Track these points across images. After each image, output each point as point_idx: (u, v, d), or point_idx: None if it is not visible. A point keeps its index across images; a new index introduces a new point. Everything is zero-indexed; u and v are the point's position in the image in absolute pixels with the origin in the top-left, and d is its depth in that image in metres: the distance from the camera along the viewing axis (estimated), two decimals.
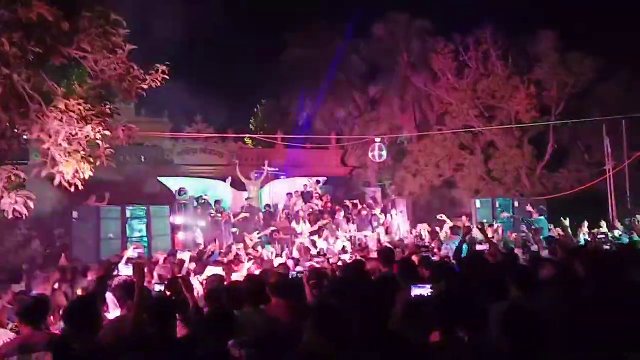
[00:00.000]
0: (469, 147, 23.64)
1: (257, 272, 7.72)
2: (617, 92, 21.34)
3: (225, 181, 19.97)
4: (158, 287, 5.96)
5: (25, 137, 7.95)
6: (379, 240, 15.91)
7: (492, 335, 3.53)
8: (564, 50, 22.05)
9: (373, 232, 17.52)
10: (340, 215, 18.00)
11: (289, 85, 29.93)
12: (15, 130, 7.66)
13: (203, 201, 17.68)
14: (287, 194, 19.41)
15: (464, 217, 17.60)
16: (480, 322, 3.54)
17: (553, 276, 5.60)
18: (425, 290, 4.63)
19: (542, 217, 16.21)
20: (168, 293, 5.66)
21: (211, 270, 7.88)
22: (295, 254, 13.00)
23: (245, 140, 28.24)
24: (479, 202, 18.99)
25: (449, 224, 15.02)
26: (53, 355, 3.64)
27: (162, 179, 20.70)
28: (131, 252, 9.84)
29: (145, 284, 5.03)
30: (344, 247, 14.90)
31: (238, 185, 19.91)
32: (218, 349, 3.72)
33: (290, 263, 9.50)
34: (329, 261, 9.27)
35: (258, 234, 15.65)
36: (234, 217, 17.10)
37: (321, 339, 3.37)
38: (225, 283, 6.50)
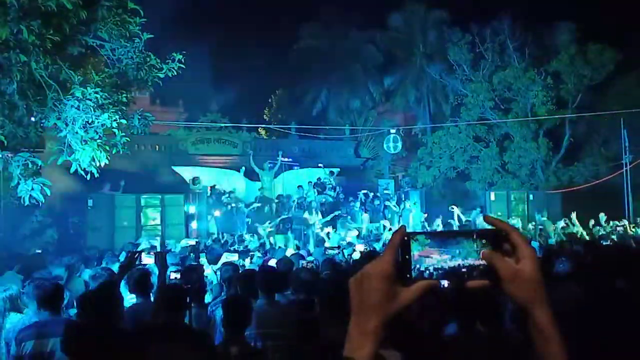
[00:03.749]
0: (484, 139, 23.43)
1: (272, 262, 7.69)
2: (635, 85, 21.05)
3: (238, 171, 19.99)
4: (173, 276, 5.97)
5: (42, 124, 8.00)
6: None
7: (508, 327, 3.53)
8: (582, 42, 21.76)
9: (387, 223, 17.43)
10: (354, 206, 17.93)
11: (303, 75, 29.92)
12: (32, 118, 7.72)
13: (217, 191, 17.72)
14: (299, 186, 19.40)
15: (478, 210, 17.48)
16: (497, 315, 3.52)
17: (568, 270, 5.56)
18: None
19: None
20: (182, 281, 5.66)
21: (226, 258, 7.87)
22: (309, 245, 13.01)
23: (259, 130, 28.32)
24: (494, 194, 18.84)
25: (459, 215, 15.19)
26: (62, 338, 3.58)
27: (176, 168, 20.83)
28: (146, 243, 9.90)
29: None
30: (357, 236, 14.83)
31: (251, 175, 19.93)
32: (234, 337, 3.72)
33: (304, 253, 9.49)
34: (343, 253, 9.20)
35: (269, 223, 15.68)
36: (247, 207, 17.13)
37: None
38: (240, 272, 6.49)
